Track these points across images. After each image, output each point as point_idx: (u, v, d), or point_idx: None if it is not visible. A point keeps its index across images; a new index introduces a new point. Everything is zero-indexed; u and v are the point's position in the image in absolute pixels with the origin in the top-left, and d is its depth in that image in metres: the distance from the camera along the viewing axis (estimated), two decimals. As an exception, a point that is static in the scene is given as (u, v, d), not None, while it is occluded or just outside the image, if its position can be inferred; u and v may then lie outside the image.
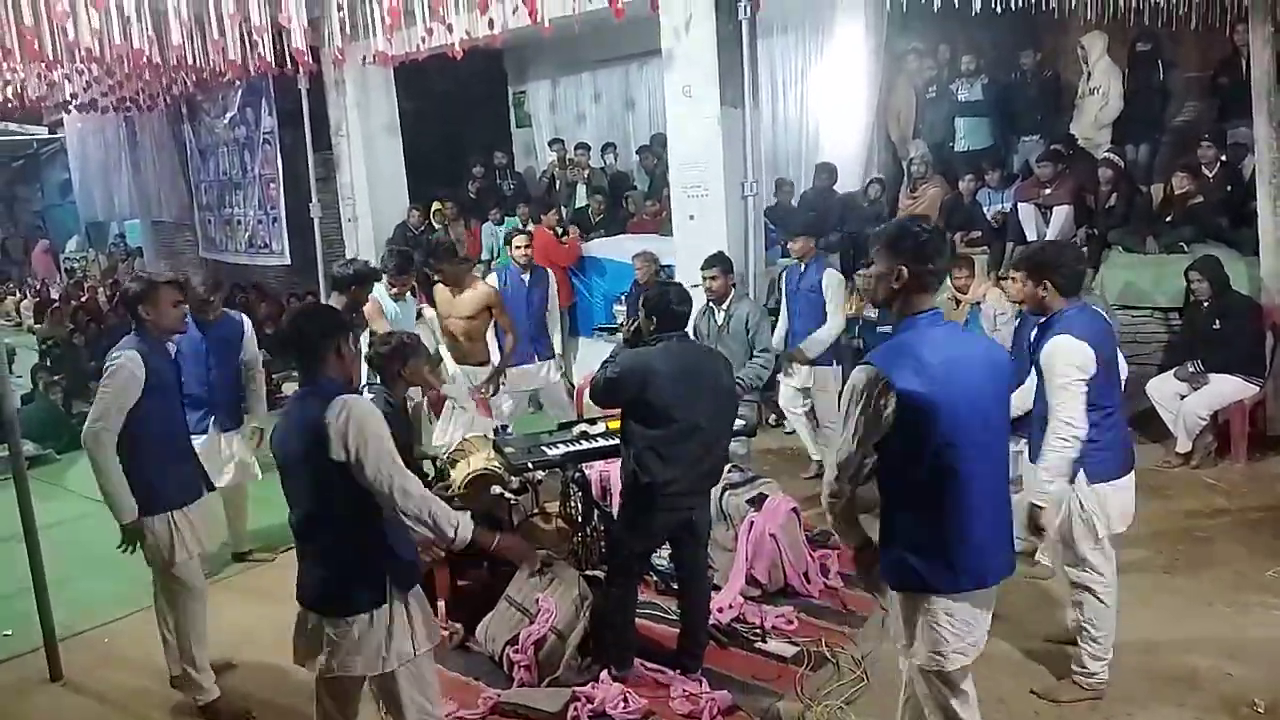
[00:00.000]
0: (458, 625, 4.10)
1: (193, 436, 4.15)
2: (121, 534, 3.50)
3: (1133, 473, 3.43)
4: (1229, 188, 6.53)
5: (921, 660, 2.53)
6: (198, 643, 3.66)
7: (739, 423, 4.79)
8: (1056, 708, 3.40)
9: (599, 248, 8.47)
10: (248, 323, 4.92)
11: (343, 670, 2.65)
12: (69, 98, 10.01)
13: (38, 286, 16.71)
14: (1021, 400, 3.40)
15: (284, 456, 2.70)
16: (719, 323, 5.38)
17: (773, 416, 7.13)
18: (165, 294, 3.56)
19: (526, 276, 6.10)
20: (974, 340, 2.68)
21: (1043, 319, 3.33)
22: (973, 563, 2.46)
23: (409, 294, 5.67)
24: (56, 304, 13.44)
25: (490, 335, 5.85)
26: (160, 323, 3.54)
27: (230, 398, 4.84)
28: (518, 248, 6.10)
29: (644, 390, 3.43)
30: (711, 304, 5.41)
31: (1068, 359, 3.12)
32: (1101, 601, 3.39)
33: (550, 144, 10.37)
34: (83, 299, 13.30)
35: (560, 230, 8.55)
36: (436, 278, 5.67)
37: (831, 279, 5.68)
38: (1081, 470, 3.24)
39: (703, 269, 5.38)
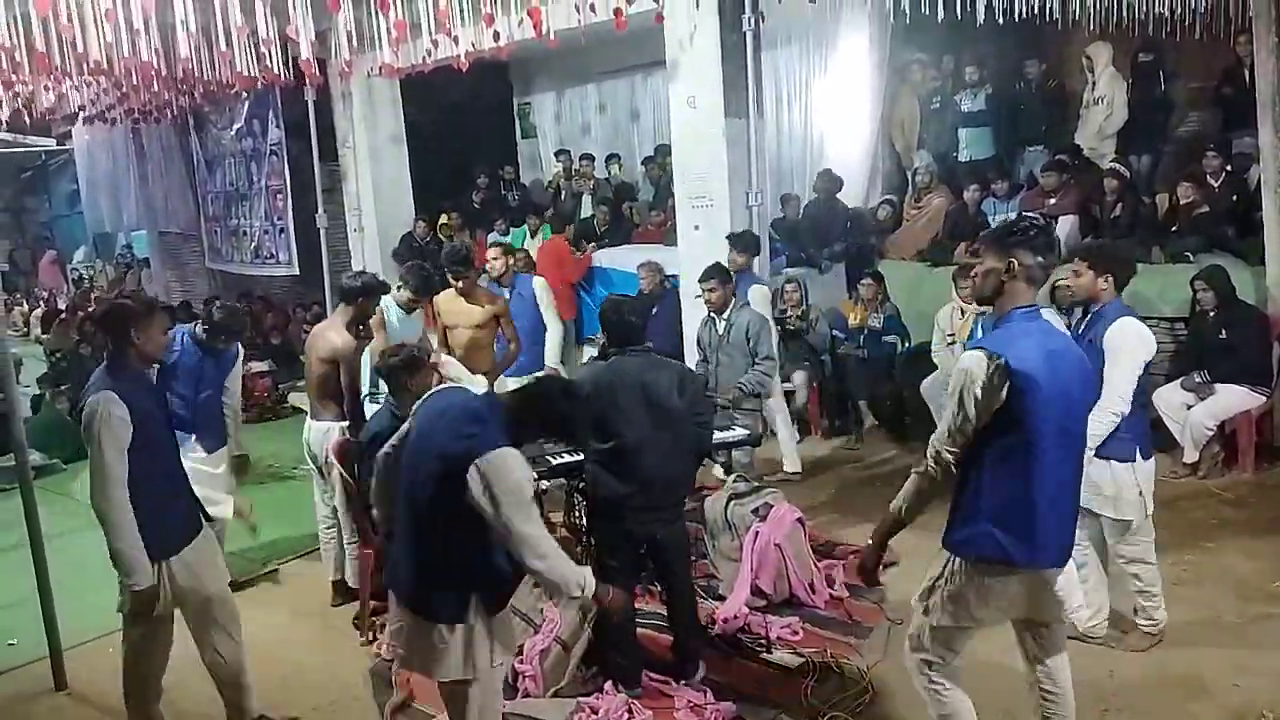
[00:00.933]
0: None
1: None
2: (130, 600, 3.30)
3: None
4: (1234, 197, 6.53)
5: (965, 622, 2.70)
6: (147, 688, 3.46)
7: (741, 432, 4.81)
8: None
9: (604, 258, 8.49)
10: (239, 348, 4.94)
11: (422, 670, 2.75)
12: (77, 109, 10.06)
13: (45, 297, 16.77)
14: None
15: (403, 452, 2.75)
16: (720, 332, 5.39)
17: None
18: (160, 319, 3.39)
19: (508, 292, 5.99)
20: (1064, 337, 2.81)
21: (1093, 309, 3.65)
22: (1047, 542, 2.60)
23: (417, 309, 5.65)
24: (64, 314, 13.49)
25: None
26: (146, 349, 3.33)
27: (216, 421, 4.80)
28: (494, 259, 6.02)
29: (590, 406, 3.44)
30: (712, 314, 5.42)
31: (1140, 336, 3.48)
32: (1151, 563, 3.71)
33: (556, 155, 10.41)
34: (90, 310, 13.34)
35: (573, 244, 8.57)
36: (459, 285, 5.63)
37: (758, 294, 5.89)
38: (1138, 448, 3.56)
39: (700, 281, 5.41)
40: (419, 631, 2.70)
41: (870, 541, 2.87)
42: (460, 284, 5.55)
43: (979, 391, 2.50)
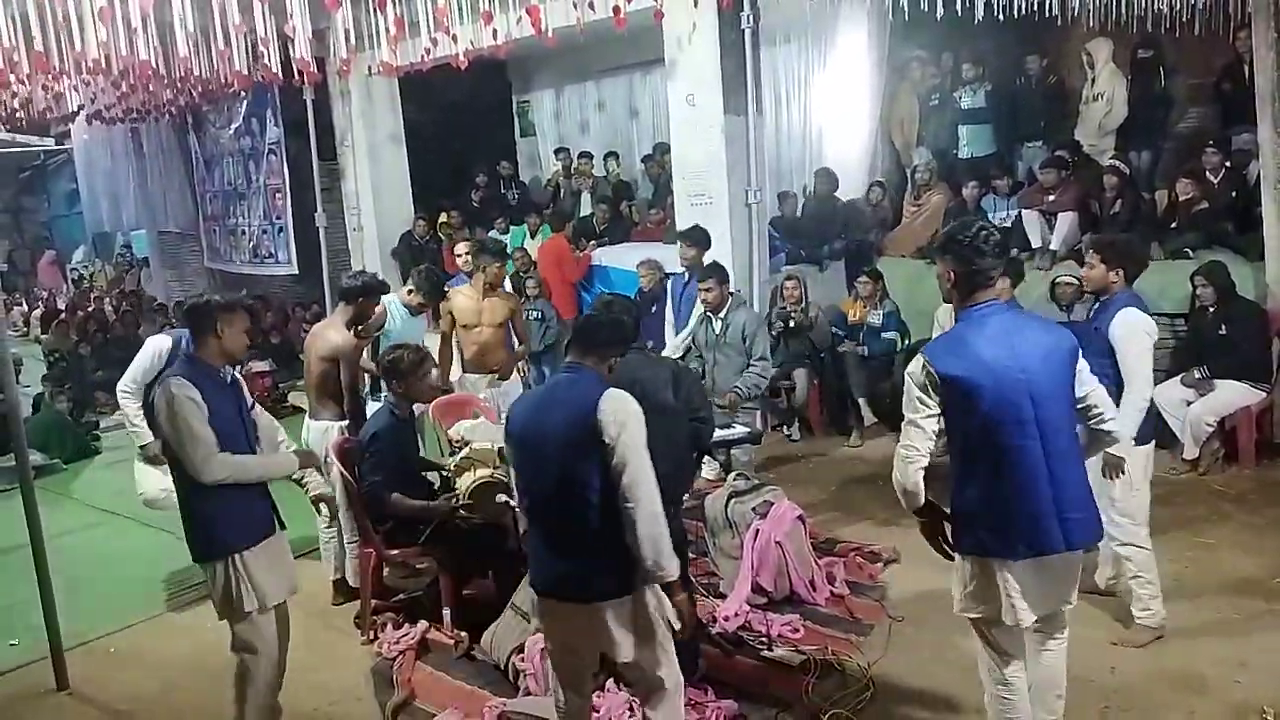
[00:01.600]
0: (463, 634, 4.10)
1: None
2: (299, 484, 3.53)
3: None
4: (1234, 193, 6.51)
5: (975, 614, 2.81)
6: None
7: (742, 430, 4.82)
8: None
9: (604, 256, 8.48)
10: None
11: (608, 650, 2.78)
12: (76, 109, 10.06)
13: (45, 297, 16.78)
14: None
15: (538, 438, 2.73)
16: (716, 331, 5.40)
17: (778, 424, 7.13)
18: (242, 318, 3.35)
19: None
20: (1033, 325, 2.81)
21: (1102, 299, 3.84)
22: (1027, 533, 2.67)
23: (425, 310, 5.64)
24: (63, 314, 13.49)
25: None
26: (229, 346, 3.29)
27: None
28: (459, 255, 5.96)
29: None
30: (709, 313, 5.43)
31: (1142, 323, 3.64)
32: (1144, 548, 3.76)
33: (556, 153, 10.39)
34: (89, 309, 13.35)
35: (573, 243, 8.56)
36: (491, 277, 5.63)
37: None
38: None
39: (699, 280, 5.41)
40: (590, 617, 2.72)
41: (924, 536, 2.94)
42: (489, 277, 5.56)
43: (916, 394, 2.71)
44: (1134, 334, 3.60)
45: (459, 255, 6.05)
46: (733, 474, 4.91)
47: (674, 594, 2.76)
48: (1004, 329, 2.69)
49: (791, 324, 6.83)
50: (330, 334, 4.59)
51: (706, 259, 5.85)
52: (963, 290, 2.73)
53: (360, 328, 4.70)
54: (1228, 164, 6.60)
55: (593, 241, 8.67)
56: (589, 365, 2.82)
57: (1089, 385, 2.79)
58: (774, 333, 6.70)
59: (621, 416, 2.65)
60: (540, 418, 2.76)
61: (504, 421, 2.86)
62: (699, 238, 6.07)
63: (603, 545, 2.68)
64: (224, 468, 3.15)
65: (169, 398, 3.09)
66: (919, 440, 2.72)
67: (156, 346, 4.62)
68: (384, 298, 5.06)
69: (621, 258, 8.25)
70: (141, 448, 4.70)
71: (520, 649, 3.75)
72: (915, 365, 2.73)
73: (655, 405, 3.49)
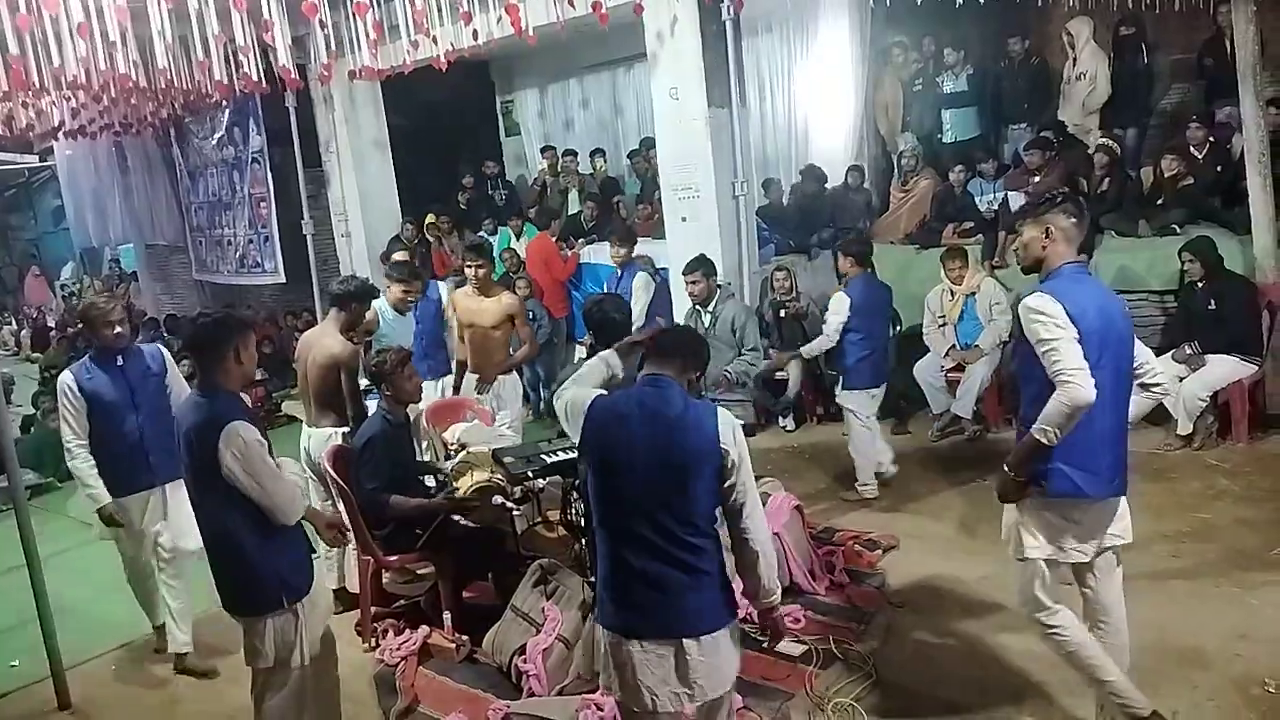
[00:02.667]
0: (464, 637, 4.10)
1: (129, 497, 4.11)
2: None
3: None
4: (1219, 168, 6.52)
5: (1043, 553, 2.95)
6: None
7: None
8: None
9: (593, 254, 8.46)
10: (166, 354, 4.38)
11: (714, 690, 2.56)
12: (57, 125, 9.99)
13: (34, 315, 16.70)
14: None
15: (631, 454, 2.47)
16: (705, 324, 5.40)
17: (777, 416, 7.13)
18: (252, 336, 3.14)
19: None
20: (1108, 290, 3.06)
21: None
22: (1110, 473, 2.89)
23: (413, 305, 5.62)
24: (54, 331, 13.44)
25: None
26: (248, 370, 3.09)
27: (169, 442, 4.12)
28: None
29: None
30: (697, 306, 5.43)
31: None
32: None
33: (542, 151, 10.36)
34: (79, 325, 13.29)
35: (561, 240, 8.55)
36: (478, 273, 5.60)
37: (639, 280, 6.18)
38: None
39: (684, 273, 5.41)
40: (708, 652, 2.50)
41: (1007, 467, 2.93)
42: (479, 275, 5.53)
43: (1058, 321, 2.73)
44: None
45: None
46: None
47: (772, 614, 2.72)
48: (1095, 286, 2.94)
49: (784, 314, 6.83)
50: (326, 341, 4.56)
51: (697, 252, 5.85)
52: (1058, 249, 2.89)
53: (353, 333, 4.69)
54: (1212, 139, 6.61)
55: (581, 240, 8.65)
56: (670, 376, 2.59)
57: (1142, 348, 2.98)
58: (766, 323, 6.69)
59: (739, 438, 2.50)
60: (639, 433, 2.49)
61: (582, 435, 2.61)
62: (624, 234, 6.42)
63: (702, 573, 2.50)
64: (302, 506, 3.05)
65: (242, 445, 2.83)
66: (1078, 355, 2.70)
67: (64, 386, 4.07)
68: (372, 303, 5.04)
69: (609, 254, 8.22)
70: (100, 509, 4.13)
71: (522, 650, 3.75)
72: (1042, 300, 2.76)
73: None
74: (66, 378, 4.07)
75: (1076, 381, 2.68)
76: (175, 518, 4.13)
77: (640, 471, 2.47)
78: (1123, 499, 2.98)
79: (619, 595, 2.54)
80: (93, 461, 4.06)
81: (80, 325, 4.31)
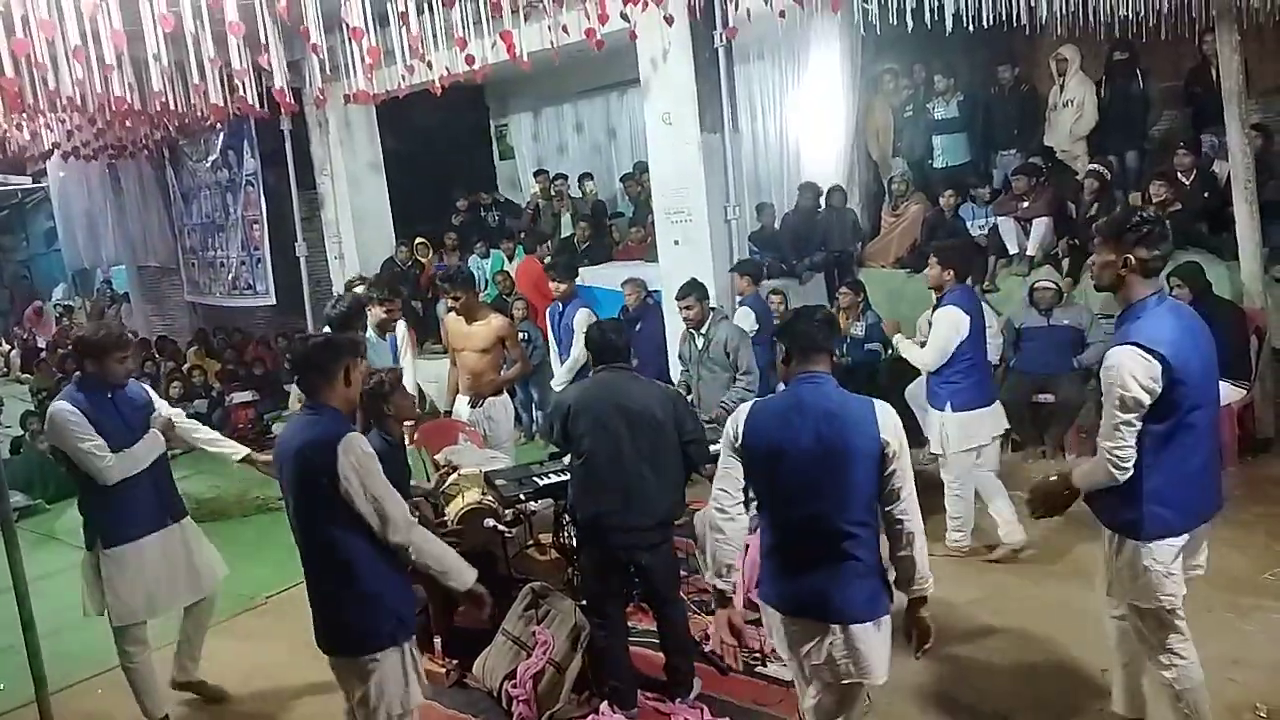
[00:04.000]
0: (454, 662, 4.07)
1: (147, 539, 3.86)
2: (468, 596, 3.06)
3: None
4: (1206, 194, 6.59)
5: (1148, 603, 2.85)
6: None
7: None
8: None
9: (588, 276, 8.49)
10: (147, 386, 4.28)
11: (860, 676, 2.68)
12: (51, 146, 10.02)
13: (25, 337, 16.63)
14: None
15: (809, 447, 2.58)
16: (699, 347, 5.41)
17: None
18: (361, 362, 3.02)
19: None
20: (1188, 310, 2.89)
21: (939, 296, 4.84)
22: (1206, 501, 2.83)
23: (395, 327, 5.62)
24: (44, 353, 13.39)
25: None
26: (351, 395, 3.00)
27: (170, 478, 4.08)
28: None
29: (564, 423, 3.54)
30: (691, 330, 5.45)
31: (953, 320, 4.71)
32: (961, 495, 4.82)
33: (535, 175, 10.42)
34: (70, 347, 13.24)
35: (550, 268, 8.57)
36: (452, 305, 5.61)
37: (581, 316, 6.16)
38: (949, 402, 4.78)
39: (677, 298, 5.44)
40: (860, 639, 2.64)
41: (1047, 486, 2.97)
42: (454, 305, 5.54)
43: (1142, 391, 2.63)
44: (942, 325, 4.64)
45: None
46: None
47: (922, 605, 2.74)
48: (1176, 313, 2.77)
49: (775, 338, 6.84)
50: None
51: (690, 275, 5.86)
52: (1135, 280, 2.72)
53: None
54: (1199, 166, 6.68)
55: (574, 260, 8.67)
56: (823, 369, 2.68)
57: None
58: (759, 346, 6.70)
59: (898, 428, 2.61)
60: (802, 428, 2.59)
61: (739, 435, 2.68)
62: (562, 268, 6.52)
63: (860, 561, 2.62)
64: (422, 536, 2.94)
65: (360, 456, 2.79)
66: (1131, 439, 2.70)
67: (66, 412, 3.73)
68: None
69: (606, 277, 8.26)
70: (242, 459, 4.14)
71: (512, 675, 3.73)
72: (1135, 359, 2.63)
73: (640, 426, 3.50)
74: (66, 406, 3.69)
75: (1123, 466, 2.71)
76: (202, 550, 4.07)
77: (804, 464, 2.57)
78: (1205, 532, 2.92)
79: (780, 575, 2.68)
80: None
81: (81, 352, 3.81)
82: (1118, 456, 2.69)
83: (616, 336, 3.71)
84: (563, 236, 9.34)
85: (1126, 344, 2.66)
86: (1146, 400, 2.64)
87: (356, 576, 2.83)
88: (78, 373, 3.94)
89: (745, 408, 2.74)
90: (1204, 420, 2.74)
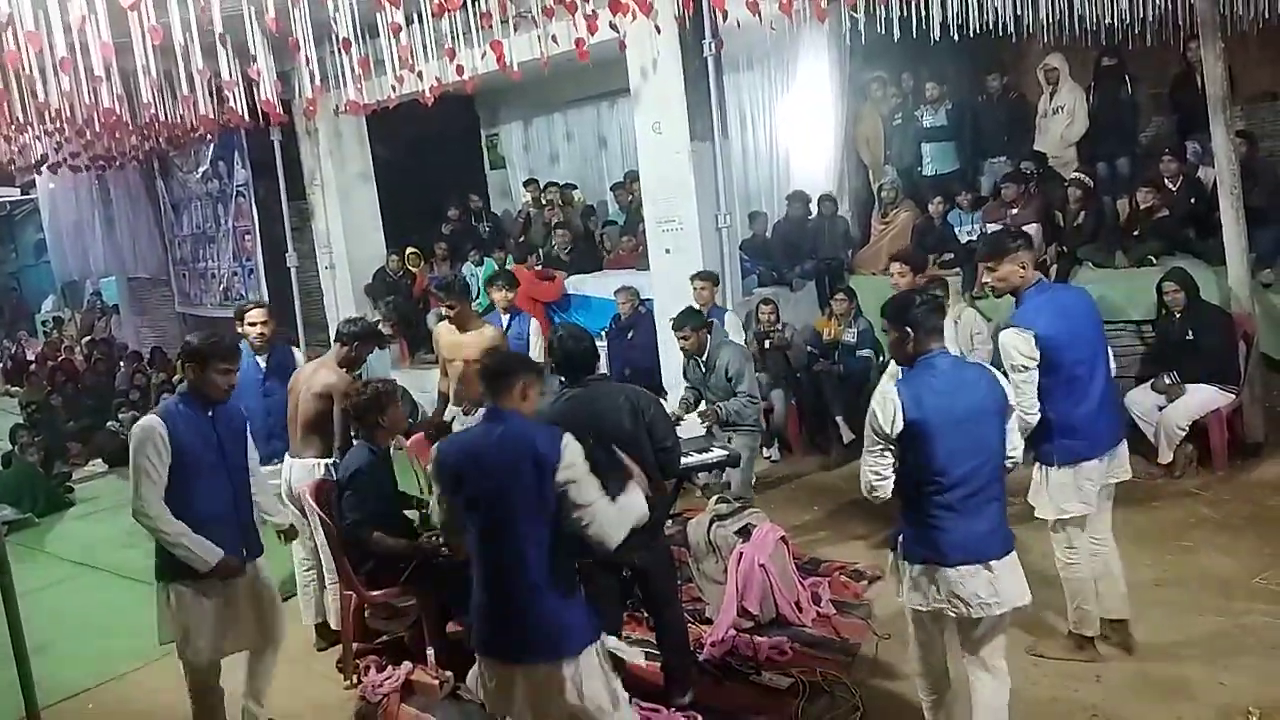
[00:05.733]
0: (448, 673, 4.05)
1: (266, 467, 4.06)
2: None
3: None
4: (1192, 200, 6.64)
5: (1054, 515, 3.64)
6: None
7: (720, 453, 4.82)
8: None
9: (581, 284, 8.51)
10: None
11: (1018, 600, 2.99)
12: (40, 158, 9.99)
13: (13, 349, 16.53)
14: None
15: (969, 418, 2.95)
16: (702, 373, 5.41)
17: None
18: (539, 382, 3.10)
19: (262, 359, 5.08)
20: (1067, 289, 3.85)
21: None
22: (1103, 433, 3.63)
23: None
24: (33, 365, 13.32)
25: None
26: (526, 409, 2.98)
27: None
28: (251, 324, 5.08)
29: None
30: (691, 358, 5.44)
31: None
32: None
33: (525, 184, 10.40)
34: (59, 359, 13.19)
35: (541, 269, 8.59)
36: (445, 315, 5.61)
37: (535, 326, 6.12)
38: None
39: (674, 329, 5.41)
40: (1009, 568, 3.01)
41: None
42: (449, 315, 5.54)
43: (1022, 356, 3.46)
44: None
45: (250, 325, 5.11)
46: (714, 498, 4.90)
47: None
48: (1057, 295, 3.70)
49: (769, 345, 6.86)
50: (324, 373, 4.61)
51: (682, 283, 5.88)
52: (1024, 277, 3.58)
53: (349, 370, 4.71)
54: (1185, 172, 6.73)
55: (562, 271, 8.68)
56: (941, 345, 3.05)
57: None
58: (753, 355, 6.71)
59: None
60: (958, 399, 2.96)
61: (900, 415, 2.92)
62: (508, 278, 6.33)
63: (1003, 503, 3.06)
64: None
65: (578, 453, 2.84)
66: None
67: (152, 433, 3.40)
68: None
69: (598, 285, 8.28)
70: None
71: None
72: (1016, 337, 3.46)
73: (615, 435, 3.46)
74: (156, 422, 3.39)
75: (1031, 413, 3.46)
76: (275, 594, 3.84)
77: (968, 425, 2.95)
78: (1123, 443, 3.71)
79: (950, 530, 2.95)
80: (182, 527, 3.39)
81: (185, 361, 3.53)
82: (1024, 408, 3.38)
83: (576, 344, 3.66)
84: (552, 244, 9.33)
85: (1009, 327, 3.53)
86: (1030, 364, 3.45)
87: (561, 574, 2.84)
88: (181, 384, 3.65)
89: (889, 393, 2.95)
90: (1085, 372, 3.54)
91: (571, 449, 2.80)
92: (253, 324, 5.05)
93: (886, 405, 2.94)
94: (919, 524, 2.98)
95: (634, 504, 2.91)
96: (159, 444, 3.32)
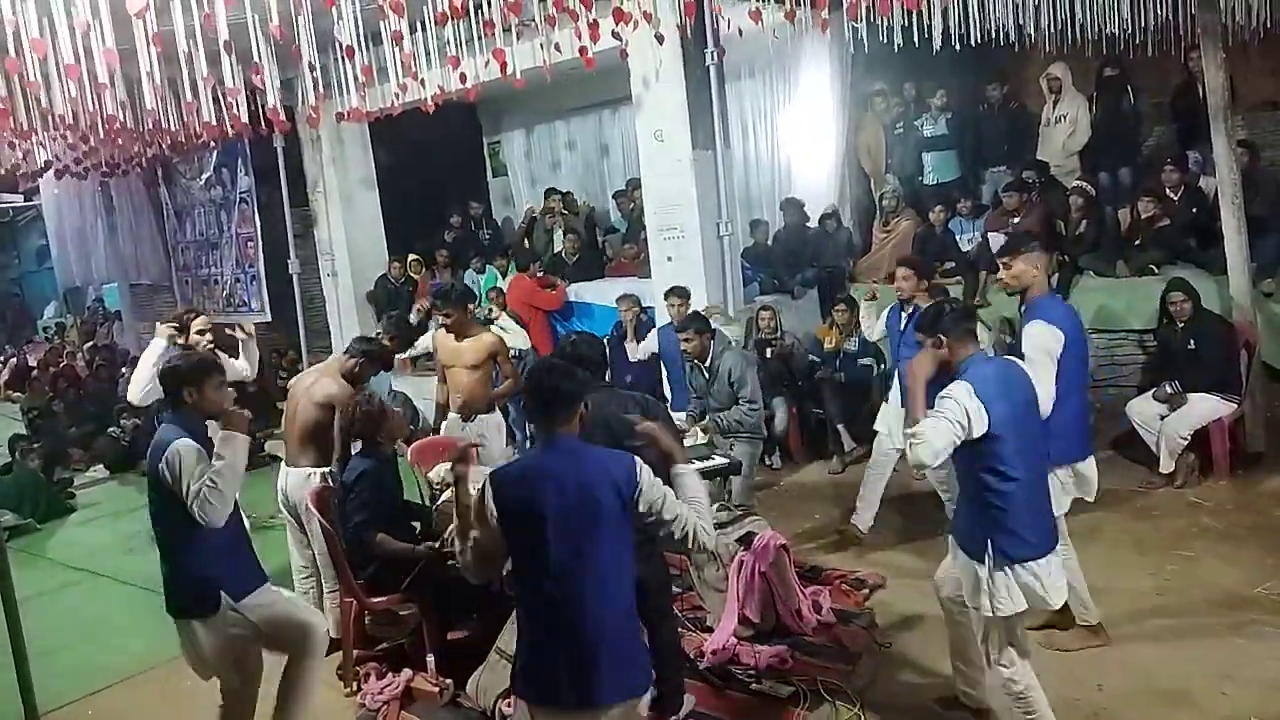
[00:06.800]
0: (448, 680, 4.05)
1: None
2: None
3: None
4: (1194, 209, 6.65)
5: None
6: None
7: (720, 461, 4.82)
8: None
9: (582, 291, 8.52)
10: None
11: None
12: (44, 164, 10.02)
13: (15, 356, 16.54)
14: None
15: (1028, 409, 3.15)
16: (705, 379, 5.41)
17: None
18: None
19: None
20: (1012, 366, 3.35)
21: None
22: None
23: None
24: (35, 371, 13.33)
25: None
26: (573, 427, 2.82)
27: None
28: (200, 333, 4.93)
29: None
30: (695, 362, 5.44)
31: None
32: None
33: (546, 194, 10.30)
34: (61, 365, 13.20)
35: (544, 276, 8.61)
36: (444, 322, 5.62)
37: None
38: None
39: (678, 331, 5.42)
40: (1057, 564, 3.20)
41: None
42: (446, 322, 5.54)
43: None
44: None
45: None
46: (715, 506, 4.89)
47: None
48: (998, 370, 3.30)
49: (770, 353, 6.87)
50: (327, 381, 4.62)
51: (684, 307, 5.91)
52: (961, 349, 3.22)
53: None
54: (1186, 182, 6.74)
55: (565, 279, 8.70)
56: (979, 349, 3.27)
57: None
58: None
59: None
60: (1015, 387, 3.14)
61: (980, 410, 3.01)
62: (458, 296, 5.85)
63: None
64: None
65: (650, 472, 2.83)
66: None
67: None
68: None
69: (601, 293, 8.29)
70: None
71: (506, 694, 3.70)
72: (1045, 330, 3.57)
73: (615, 439, 3.46)
74: (192, 444, 3.23)
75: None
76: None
77: (1030, 414, 3.16)
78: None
79: (1039, 526, 3.12)
80: None
81: (181, 385, 3.33)
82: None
83: (589, 350, 3.71)
84: (554, 251, 9.35)
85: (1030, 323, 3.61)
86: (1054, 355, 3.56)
87: (633, 606, 2.72)
88: (168, 405, 3.43)
89: (964, 388, 3.02)
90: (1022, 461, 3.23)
91: (645, 469, 2.65)
92: (200, 332, 4.90)
93: (960, 403, 2.99)
94: (1004, 525, 3.08)
95: (696, 487, 2.80)
96: (203, 458, 3.19)
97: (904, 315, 5.15)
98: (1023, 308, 3.98)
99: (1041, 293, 3.83)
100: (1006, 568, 3.05)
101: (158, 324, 5.02)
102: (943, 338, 3.15)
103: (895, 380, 5.09)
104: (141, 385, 4.87)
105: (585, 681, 2.56)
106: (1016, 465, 3.05)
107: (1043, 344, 3.58)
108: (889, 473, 5.27)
